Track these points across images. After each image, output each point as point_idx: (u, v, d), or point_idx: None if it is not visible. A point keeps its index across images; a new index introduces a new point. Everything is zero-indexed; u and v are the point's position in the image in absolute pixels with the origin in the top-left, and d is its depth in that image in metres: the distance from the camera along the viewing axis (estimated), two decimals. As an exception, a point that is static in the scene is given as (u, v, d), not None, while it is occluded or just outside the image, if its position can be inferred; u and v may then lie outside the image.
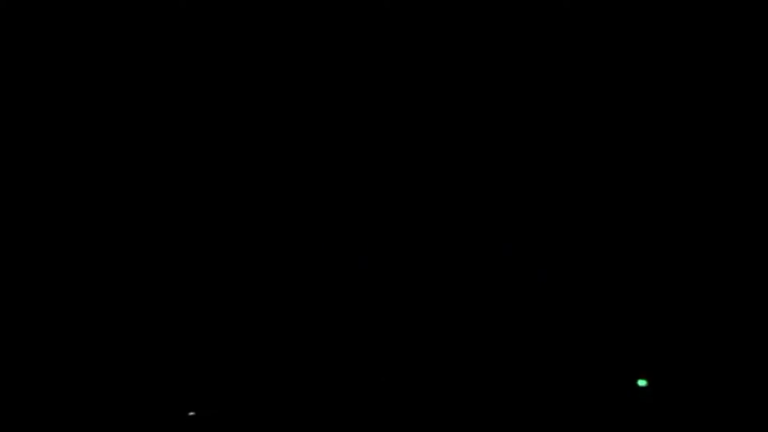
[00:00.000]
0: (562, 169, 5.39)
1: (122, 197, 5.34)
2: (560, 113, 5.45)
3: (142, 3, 5.07)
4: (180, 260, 5.39)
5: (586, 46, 5.50)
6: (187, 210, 5.40)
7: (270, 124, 5.43)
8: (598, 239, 5.41)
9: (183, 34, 5.25)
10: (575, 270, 5.41)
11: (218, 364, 5.54)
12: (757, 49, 5.44)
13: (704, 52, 5.50)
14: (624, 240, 5.42)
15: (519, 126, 5.42)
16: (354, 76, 5.34)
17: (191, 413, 5.39)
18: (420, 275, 5.45)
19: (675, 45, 5.59)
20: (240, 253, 5.43)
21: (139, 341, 5.48)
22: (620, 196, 5.40)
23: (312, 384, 5.58)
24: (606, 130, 5.48)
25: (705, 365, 5.30)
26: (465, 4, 5.43)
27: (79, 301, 5.36)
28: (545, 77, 5.49)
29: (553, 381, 5.45)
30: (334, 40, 5.28)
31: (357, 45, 5.31)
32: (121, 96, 5.30)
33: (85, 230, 5.32)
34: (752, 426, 5.17)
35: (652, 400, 5.29)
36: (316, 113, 5.36)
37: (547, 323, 5.48)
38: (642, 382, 5.29)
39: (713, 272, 5.36)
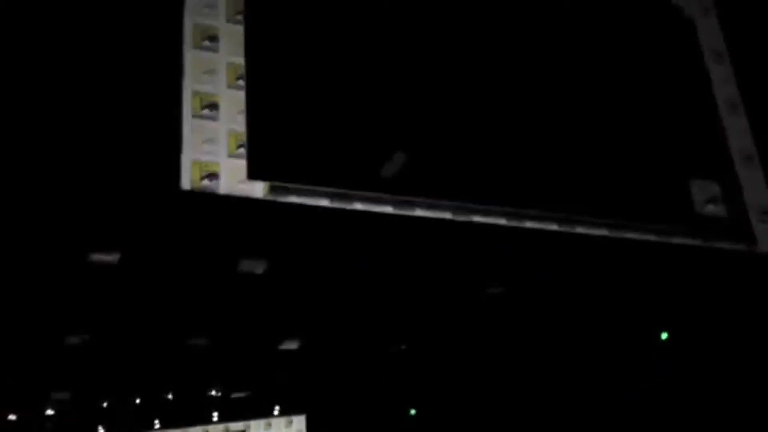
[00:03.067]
0: (563, 169, 5.39)
1: (123, 196, 5.34)
2: (560, 112, 5.46)
3: (142, 2, 5.06)
4: (179, 260, 5.39)
5: (585, 46, 5.52)
6: (186, 210, 5.40)
7: (270, 123, 5.43)
8: (598, 239, 5.42)
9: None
10: (575, 270, 5.42)
11: (218, 363, 5.55)
12: (757, 48, 5.47)
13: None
14: (625, 239, 5.43)
15: (519, 126, 5.42)
16: (354, 76, 5.34)
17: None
18: (420, 275, 5.46)
19: (674, 45, 5.61)
20: (240, 252, 5.44)
21: (138, 340, 5.50)
22: (620, 196, 5.41)
23: (312, 383, 5.59)
24: (605, 129, 5.50)
25: (706, 365, 5.33)
26: (464, 4, 5.44)
27: (78, 300, 5.37)
28: (545, 76, 5.50)
29: (553, 381, 5.47)
30: (334, 40, 5.28)
31: (357, 45, 5.31)
32: (119, 95, 5.30)
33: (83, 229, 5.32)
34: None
35: (650, 401, 5.32)
36: (315, 112, 5.36)
37: (547, 323, 5.50)
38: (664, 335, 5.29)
39: (714, 270, 5.39)
